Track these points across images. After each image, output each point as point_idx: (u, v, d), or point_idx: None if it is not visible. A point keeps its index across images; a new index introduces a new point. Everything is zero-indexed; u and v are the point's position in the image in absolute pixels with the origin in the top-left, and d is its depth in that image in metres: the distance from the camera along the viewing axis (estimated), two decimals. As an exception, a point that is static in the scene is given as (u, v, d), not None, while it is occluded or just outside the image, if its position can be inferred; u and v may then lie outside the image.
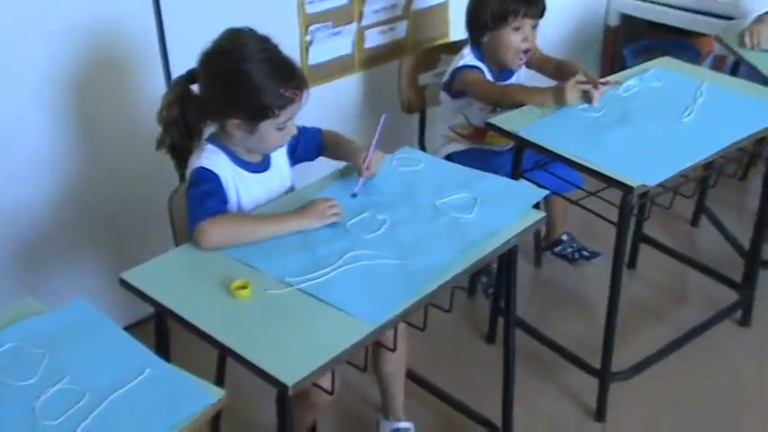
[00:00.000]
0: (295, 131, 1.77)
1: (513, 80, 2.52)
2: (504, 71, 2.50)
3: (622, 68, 3.80)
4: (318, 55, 2.67)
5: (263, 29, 2.48)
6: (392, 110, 2.78)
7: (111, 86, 2.28)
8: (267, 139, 1.73)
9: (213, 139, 1.76)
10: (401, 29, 2.89)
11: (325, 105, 2.77)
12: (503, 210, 1.73)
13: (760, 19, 2.74)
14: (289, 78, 1.68)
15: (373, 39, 2.83)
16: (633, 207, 1.92)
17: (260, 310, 1.43)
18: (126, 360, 1.30)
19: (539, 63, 2.54)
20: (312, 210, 1.65)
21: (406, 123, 2.84)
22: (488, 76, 2.45)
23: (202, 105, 1.72)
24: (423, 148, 2.77)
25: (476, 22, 2.42)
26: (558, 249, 2.81)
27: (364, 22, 2.77)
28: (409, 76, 2.66)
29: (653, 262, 2.82)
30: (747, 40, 2.63)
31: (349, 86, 2.85)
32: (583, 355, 2.31)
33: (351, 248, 1.59)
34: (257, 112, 1.66)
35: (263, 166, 1.81)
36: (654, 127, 2.10)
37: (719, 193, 2.86)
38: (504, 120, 2.17)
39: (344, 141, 1.95)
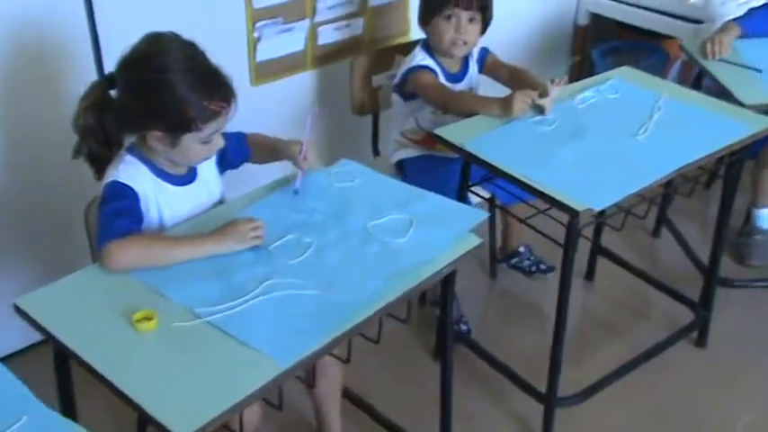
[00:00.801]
0: (222, 144, 1.66)
1: (466, 80, 2.42)
2: (459, 73, 2.40)
3: (591, 70, 3.76)
4: (267, 52, 2.54)
5: (207, 24, 2.37)
6: (345, 110, 2.70)
7: (40, 80, 2.15)
8: (191, 153, 1.61)
9: (133, 150, 1.64)
10: (358, 26, 2.77)
11: (275, 104, 2.66)
12: (439, 234, 1.63)
13: (725, 27, 2.65)
14: (215, 90, 1.56)
15: (327, 35, 2.70)
16: (580, 230, 1.82)
17: (163, 345, 1.32)
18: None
19: (493, 69, 2.44)
20: (231, 231, 1.54)
21: (360, 127, 2.74)
22: (441, 77, 2.35)
23: (120, 115, 1.59)
24: (377, 152, 2.67)
25: (420, 13, 2.37)
26: (514, 261, 2.73)
27: (317, 19, 2.64)
28: (362, 77, 2.55)
29: (611, 274, 2.74)
30: (709, 48, 2.54)
31: (300, 85, 2.72)
32: (534, 374, 2.20)
33: (271, 275, 1.48)
34: (179, 125, 1.55)
35: (187, 178, 1.70)
36: (606, 144, 2.00)
37: (683, 202, 2.78)
38: (452, 131, 2.06)
39: (273, 140, 1.84)
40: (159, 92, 1.52)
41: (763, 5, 2.70)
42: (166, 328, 1.35)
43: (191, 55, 1.56)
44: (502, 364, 2.27)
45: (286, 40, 2.59)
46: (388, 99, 2.52)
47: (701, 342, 2.48)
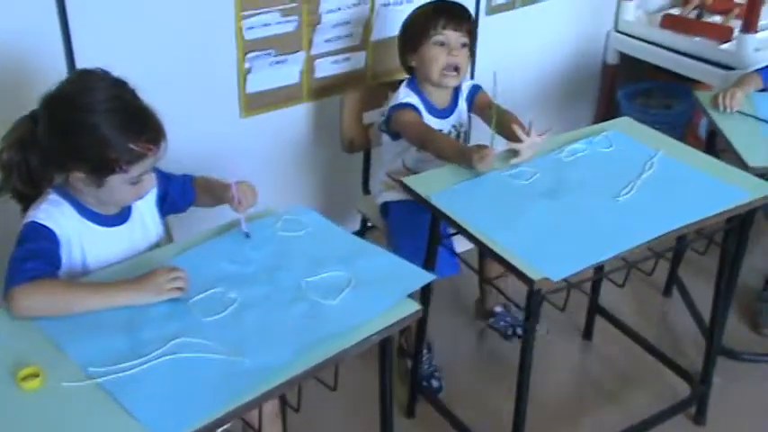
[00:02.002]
0: (153, 184, 1.60)
1: (454, 116, 2.30)
2: (446, 109, 2.29)
3: (617, 111, 3.59)
4: (258, 83, 2.48)
5: (197, 54, 2.35)
6: (339, 145, 2.62)
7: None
8: (118, 194, 1.55)
9: (59, 188, 1.58)
10: (359, 59, 2.68)
11: (264, 136, 2.59)
12: (376, 295, 1.52)
13: (744, 78, 2.47)
14: (140, 132, 1.50)
15: (325, 69, 2.61)
16: (542, 298, 1.69)
17: (45, 407, 1.25)
18: None
19: (482, 108, 2.30)
20: (149, 282, 1.46)
21: (353, 163, 2.65)
22: (426, 114, 2.24)
23: (44, 153, 1.53)
24: (367, 191, 2.58)
25: (403, 45, 2.26)
26: (491, 321, 2.56)
27: (314, 51, 2.56)
28: (352, 113, 2.47)
29: (611, 335, 2.56)
30: (720, 101, 2.37)
31: (293, 117, 2.64)
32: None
33: (181, 334, 1.39)
34: (103, 166, 1.49)
35: (119, 218, 1.65)
36: (582, 204, 1.86)
37: (701, 259, 2.58)
38: (421, 180, 1.95)
39: (213, 182, 1.80)
40: (81, 132, 1.47)
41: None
42: (53, 388, 1.27)
43: (117, 95, 1.51)
44: (465, 428, 2.13)
45: (279, 73, 2.51)
46: (380, 136, 2.43)
47: (698, 419, 2.29)
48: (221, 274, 1.56)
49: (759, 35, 3.17)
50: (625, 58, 3.53)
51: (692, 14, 3.44)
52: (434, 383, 2.32)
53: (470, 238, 1.74)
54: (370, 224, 2.51)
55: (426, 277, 1.60)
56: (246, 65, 2.43)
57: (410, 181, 1.94)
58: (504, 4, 3.07)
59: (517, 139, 1.97)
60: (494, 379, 2.43)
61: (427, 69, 2.21)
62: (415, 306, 1.52)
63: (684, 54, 3.27)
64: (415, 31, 2.20)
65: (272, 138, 2.60)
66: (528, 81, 3.36)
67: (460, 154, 1.99)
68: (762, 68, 2.52)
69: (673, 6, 3.61)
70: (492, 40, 3.08)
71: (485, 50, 3.07)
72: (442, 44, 2.17)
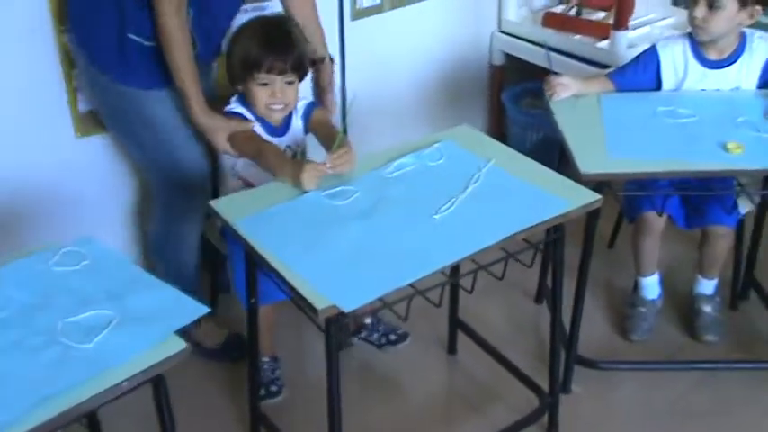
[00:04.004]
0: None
1: (289, 136, 2.18)
2: (279, 128, 2.16)
3: (503, 115, 3.52)
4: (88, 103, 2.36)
5: (19, 73, 2.23)
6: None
7: None
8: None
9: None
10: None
11: (105, 155, 2.48)
12: (138, 335, 1.41)
13: (587, 78, 2.43)
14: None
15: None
16: (341, 325, 1.59)
17: None
18: None
19: (316, 127, 2.19)
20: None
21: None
22: (258, 127, 2.13)
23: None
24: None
25: (227, 70, 2.14)
26: (363, 335, 2.50)
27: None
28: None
29: (473, 348, 2.49)
30: (545, 86, 2.34)
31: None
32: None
33: None
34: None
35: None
36: (396, 224, 1.76)
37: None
38: (233, 203, 1.85)
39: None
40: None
41: (637, 57, 2.44)
42: None
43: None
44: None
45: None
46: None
47: (551, 429, 2.21)
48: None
49: (633, 33, 3.14)
50: (512, 59, 3.47)
51: (573, 11, 3.38)
52: (273, 388, 2.27)
53: (269, 268, 1.64)
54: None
55: (198, 310, 1.49)
56: (75, 82, 2.31)
57: (220, 203, 1.84)
58: (371, 8, 2.98)
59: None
60: (366, 392, 2.37)
61: (252, 102, 2.11)
62: (180, 344, 1.41)
63: (564, 53, 3.22)
64: (238, 66, 2.08)
65: (111, 158, 2.49)
66: (409, 87, 3.28)
67: (287, 167, 1.93)
68: (614, 72, 2.45)
69: (559, 3, 3.55)
70: (360, 45, 2.99)
71: (353, 57, 2.99)
72: (266, 84, 2.07)
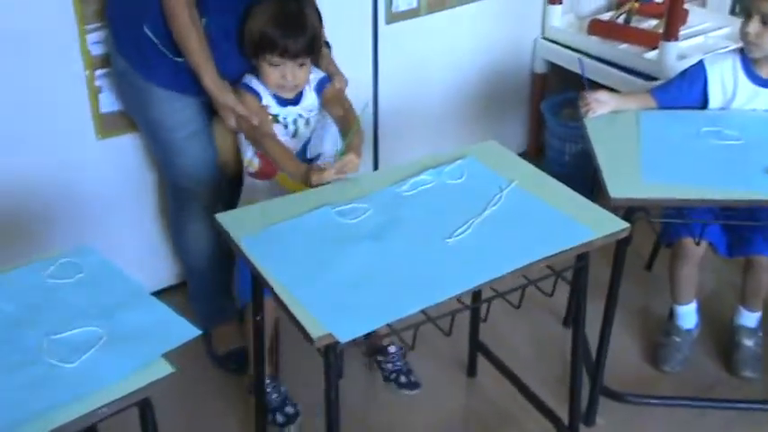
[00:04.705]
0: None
1: (302, 105, 2.11)
2: (293, 98, 2.11)
3: (543, 124, 3.39)
4: (112, 103, 2.32)
5: (42, 74, 2.20)
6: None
7: None
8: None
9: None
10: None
11: (126, 158, 2.44)
12: (126, 356, 1.35)
13: (625, 93, 2.29)
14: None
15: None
16: (338, 352, 1.51)
17: None
18: None
19: (327, 102, 2.13)
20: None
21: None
22: (269, 98, 2.07)
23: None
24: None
25: (240, 44, 2.07)
26: (380, 359, 2.30)
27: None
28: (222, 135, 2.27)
29: (495, 373, 2.38)
30: (580, 104, 2.22)
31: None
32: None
33: None
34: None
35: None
36: (407, 247, 1.67)
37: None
38: (239, 216, 1.78)
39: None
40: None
41: (682, 73, 2.29)
42: None
43: None
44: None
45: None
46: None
47: (572, 470, 2.10)
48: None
49: (685, 43, 2.98)
50: (555, 67, 3.33)
51: (621, 19, 3.23)
52: (290, 409, 2.15)
53: (270, 289, 1.57)
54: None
55: (191, 332, 1.43)
56: (97, 83, 2.28)
57: (226, 217, 1.77)
58: (407, 12, 2.89)
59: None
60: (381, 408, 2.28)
61: (263, 77, 2.07)
62: (166, 369, 1.34)
63: (609, 63, 3.07)
64: (252, 44, 2.03)
65: (132, 160, 2.45)
66: (446, 95, 3.17)
67: (292, 166, 1.93)
68: (657, 88, 2.31)
69: (609, 10, 3.40)
70: (395, 51, 2.90)
71: (387, 62, 2.90)
72: (278, 65, 2.02)
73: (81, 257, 1.61)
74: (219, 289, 2.43)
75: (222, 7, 2.02)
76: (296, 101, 2.12)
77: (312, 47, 2.03)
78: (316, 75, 2.14)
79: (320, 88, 2.14)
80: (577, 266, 1.80)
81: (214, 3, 2.01)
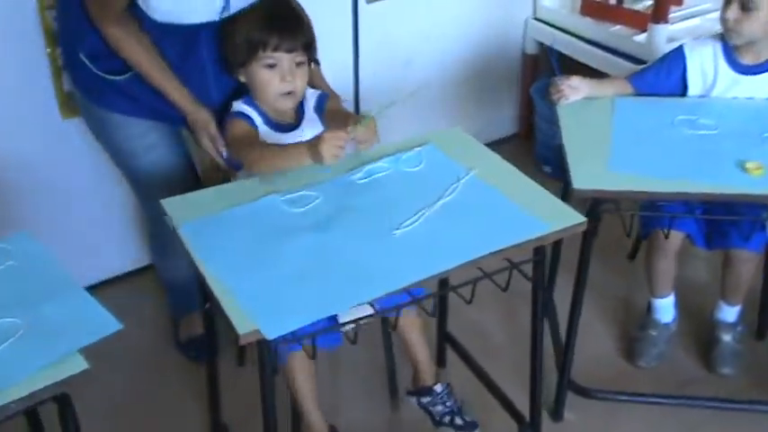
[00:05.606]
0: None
1: (300, 131, 1.96)
2: (290, 124, 1.97)
3: (533, 109, 3.30)
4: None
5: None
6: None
7: None
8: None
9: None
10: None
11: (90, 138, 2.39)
12: (43, 349, 1.31)
13: (602, 79, 2.20)
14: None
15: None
16: (268, 349, 1.45)
17: None
18: None
19: (335, 119, 1.95)
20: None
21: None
22: (263, 127, 1.93)
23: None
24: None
25: (227, 55, 1.93)
26: (425, 401, 1.98)
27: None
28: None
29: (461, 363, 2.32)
30: (552, 90, 2.15)
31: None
32: None
33: None
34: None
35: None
36: (352, 240, 1.61)
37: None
38: (183, 202, 1.72)
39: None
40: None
41: (661, 59, 2.19)
42: None
43: None
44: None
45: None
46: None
47: (533, 465, 2.04)
48: None
49: (676, 25, 2.87)
50: (545, 50, 3.24)
51: (614, -1, 3.12)
52: None
53: (201, 279, 1.52)
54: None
55: (112, 326, 1.38)
56: (60, 61, 2.23)
57: (171, 203, 1.71)
58: (388, -9, 2.81)
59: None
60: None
61: (259, 92, 1.92)
62: (81, 365, 1.30)
63: (599, 45, 2.98)
64: (241, 46, 1.88)
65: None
66: (432, 77, 3.08)
67: (303, 150, 1.75)
68: (634, 74, 2.21)
69: (603, -11, 3.29)
70: (376, 30, 2.82)
71: (368, 43, 2.82)
72: (272, 65, 1.88)
73: (15, 244, 1.57)
74: (192, 286, 2.37)
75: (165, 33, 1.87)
76: (295, 125, 1.98)
77: (307, 42, 1.91)
78: (313, 93, 2.01)
79: (320, 106, 2.00)
80: (535, 260, 1.73)
81: (156, 31, 1.86)
